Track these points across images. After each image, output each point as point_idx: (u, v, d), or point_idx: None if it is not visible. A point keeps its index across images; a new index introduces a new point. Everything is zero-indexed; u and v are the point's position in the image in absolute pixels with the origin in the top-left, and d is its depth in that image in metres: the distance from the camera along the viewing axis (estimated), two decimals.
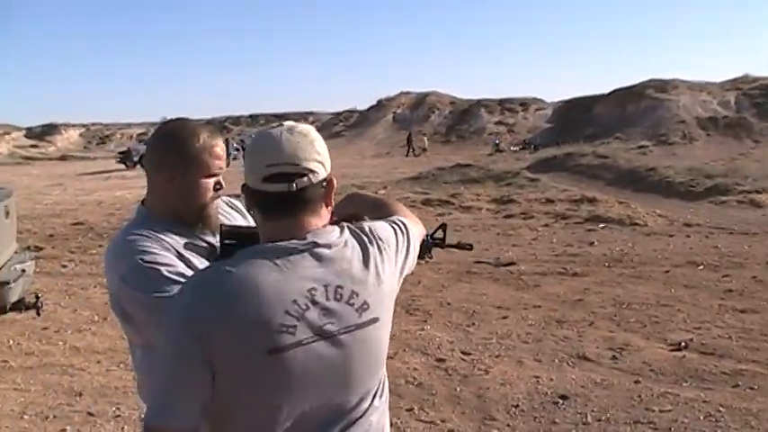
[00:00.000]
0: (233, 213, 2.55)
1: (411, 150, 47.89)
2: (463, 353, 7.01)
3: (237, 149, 46.67)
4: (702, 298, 9.02)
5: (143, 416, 1.78)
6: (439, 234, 2.57)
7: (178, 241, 2.22)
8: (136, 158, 43.06)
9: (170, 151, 2.22)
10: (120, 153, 46.52)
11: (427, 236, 2.49)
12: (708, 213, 17.30)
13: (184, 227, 2.26)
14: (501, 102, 60.62)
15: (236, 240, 2.19)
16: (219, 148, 2.29)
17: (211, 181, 2.28)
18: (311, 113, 78.03)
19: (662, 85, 45.94)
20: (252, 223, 2.25)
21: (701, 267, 10.82)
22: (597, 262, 11.41)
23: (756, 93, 43.25)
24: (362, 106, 71.09)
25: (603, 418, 5.42)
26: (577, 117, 49.35)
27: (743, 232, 14.22)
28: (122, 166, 42.62)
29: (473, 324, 8.03)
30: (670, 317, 8.21)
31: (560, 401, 5.77)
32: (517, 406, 5.71)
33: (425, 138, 51.27)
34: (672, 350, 7.01)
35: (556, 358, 6.86)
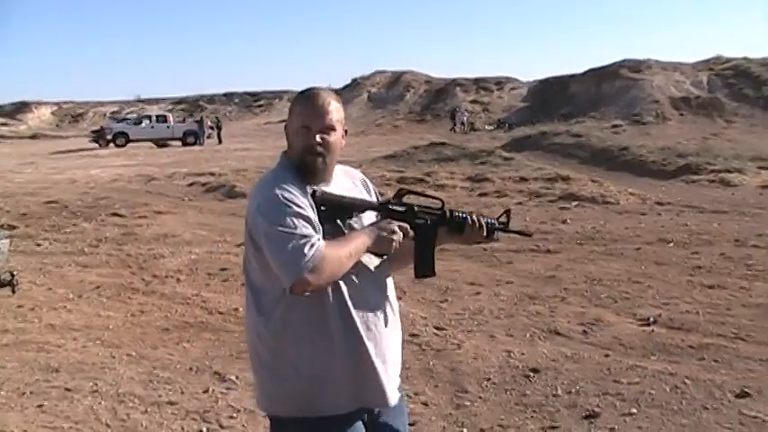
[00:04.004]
0: (361, 188, 2.77)
1: (461, 126, 47.30)
2: (436, 328, 7.12)
3: (212, 128, 46.54)
4: (672, 274, 9.16)
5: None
6: (503, 219, 2.83)
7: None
8: (109, 137, 42.84)
9: (294, 111, 2.56)
10: (94, 132, 46.13)
11: (493, 220, 2.78)
12: (679, 192, 17.48)
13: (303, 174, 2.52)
14: (476, 81, 60.38)
15: (327, 207, 2.46)
16: (330, 103, 2.54)
17: (307, 131, 2.51)
18: (286, 92, 77.44)
19: (636, 65, 46.10)
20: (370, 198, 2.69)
21: (672, 245, 10.97)
22: (570, 239, 11.54)
23: (729, 73, 43.56)
24: (337, 85, 70.90)
25: (573, 390, 5.54)
26: (552, 96, 49.38)
27: (713, 211, 14.38)
28: (95, 145, 42.30)
29: (446, 300, 8.14)
30: (640, 293, 8.34)
31: (531, 374, 5.88)
32: (489, 379, 5.82)
33: (466, 113, 50.55)
34: (641, 325, 7.14)
35: (527, 333, 6.97)
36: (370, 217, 2.61)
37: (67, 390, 5.72)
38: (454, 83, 60.91)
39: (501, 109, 54.01)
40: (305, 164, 2.50)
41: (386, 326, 2.61)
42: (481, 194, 17.62)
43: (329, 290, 2.42)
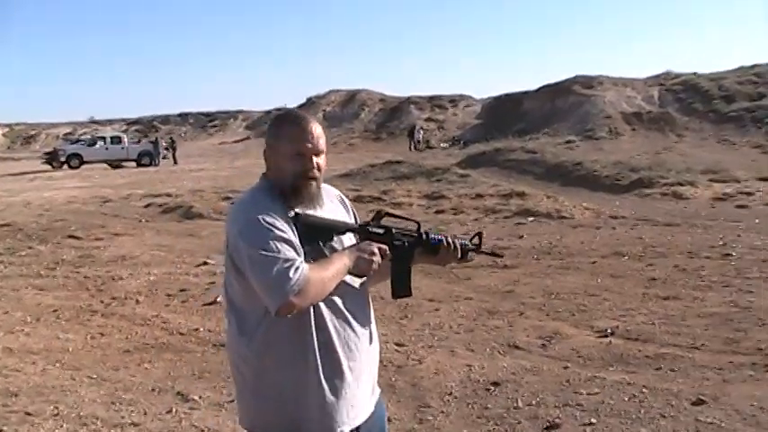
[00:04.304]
0: (338, 206, 2.83)
1: (413, 144, 47.23)
2: (397, 344, 7.16)
3: (167, 148, 46.30)
4: (627, 287, 9.30)
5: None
6: (475, 241, 2.97)
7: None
8: (63, 158, 42.46)
9: (272, 137, 2.60)
10: (47, 153, 45.78)
11: (467, 242, 2.92)
12: (633, 206, 17.75)
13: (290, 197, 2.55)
14: (431, 99, 60.73)
15: (308, 230, 2.52)
16: (316, 128, 2.58)
17: (301, 159, 2.54)
18: (240, 112, 77.35)
19: (588, 82, 46.53)
20: (346, 219, 2.74)
21: (627, 258, 11.14)
22: (526, 254, 11.67)
23: (679, 88, 44.19)
24: (292, 104, 70.86)
25: (534, 402, 5.61)
26: (506, 113, 49.67)
27: (666, 223, 14.63)
28: (49, 167, 41.89)
29: (406, 317, 8.19)
30: (597, 305, 8.47)
31: (492, 388, 5.94)
32: (451, 393, 5.88)
33: (422, 131, 50.62)
34: (599, 337, 7.25)
35: (487, 347, 7.04)
36: (350, 238, 2.67)
37: (28, 414, 5.65)
38: (409, 101, 61.18)
39: (456, 126, 54.28)
40: (299, 189, 2.55)
41: (366, 344, 2.68)
42: (438, 211, 17.74)
43: (310, 311, 2.47)
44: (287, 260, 2.33)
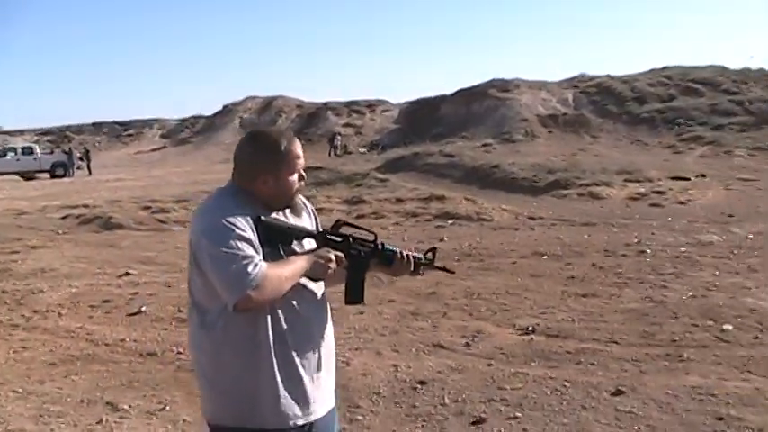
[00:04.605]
0: (302, 211, 2.95)
1: (333, 150, 47.00)
2: None
3: (81, 159, 45.48)
4: (547, 285, 9.55)
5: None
6: (429, 256, 3.13)
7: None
8: None
9: (262, 158, 2.69)
10: None
11: (420, 256, 3.08)
12: (550, 207, 18.11)
13: (268, 209, 2.71)
14: (348, 104, 60.86)
15: (270, 233, 2.64)
16: (299, 147, 2.76)
17: (296, 176, 2.74)
18: (156, 120, 76.44)
19: (504, 85, 47.10)
20: (304, 225, 2.85)
21: (545, 257, 11.41)
22: (448, 257, 11.81)
23: (593, 90, 45.04)
24: (209, 111, 70.26)
25: (460, 399, 5.75)
26: (423, 117, 49.91)
27: (583, 223, 15.01)
28: None
29: (332, 321, 8.23)
30: (518, 304, 8.67)
31: (419, 387, 6.06)
32: (379, 393, 5.98)
33: (341, 137, 50.53)
34: (521, 334, 7.44)
35: (413, 348, 7.16)
36: (309, 243, 2.79)
37: None
38: (326, 107, 61.20)
39: (374, 131, 54.41)
40: (291, 203, 2.79)
41: (321, 344, 2.81)
42: (359, 216, 17.81)
43: (267, 309, 2.60)
44: (245, 257, 2.46)
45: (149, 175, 39.22)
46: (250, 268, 2.43)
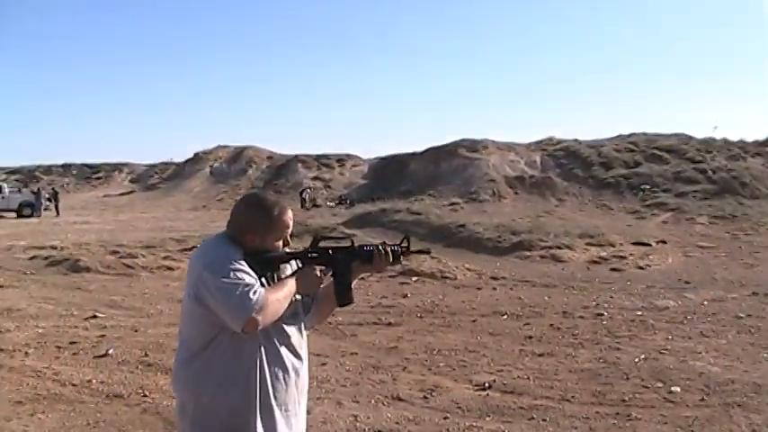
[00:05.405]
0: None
1: (302, 203, 46.98)
2: None
3: (49, 200, 45.28)
4: (505, 344, 9.78)
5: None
6: (405, 244, 3.45)
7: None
8: None
9: (253, 220, 3.12)
10: None
11: (397, 246, 3.41)
12: (513, 267, 18.37)
13: None
14: (318, 157, 61.31)
15: (258, 265, 3.04)
16: (290, 218, 3.24)
17: (281, 242, 3.20)
18: (126, 164, 76.50)
19: (473, 145, 47.63)
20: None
21: (505, 317, 11.66)
22: (410, 312, 12.06)
23: (560, 154, 45.73)
24: (179, 158, 70.42)
25: None
26: (392, 174, 50.38)
27: (543, 284, 15.28)
28: None
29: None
30: (476, 361, 8.90)
31: None
32: None
33: (310, 190, 50.77)
34: (477, 390, 7.67)
35: (372, 399, 7.37)
36: (294, 264, 3.24)
37: None
38: (296, 159, 61.54)
39: (342, 186, 54.80)
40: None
41: (296, 381, 3.12)
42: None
43: (246, 344, 2.94)
44: (247, 285, 2.84)
45: (116, 218, 39.23)
46: (251, 294, 2.80)
